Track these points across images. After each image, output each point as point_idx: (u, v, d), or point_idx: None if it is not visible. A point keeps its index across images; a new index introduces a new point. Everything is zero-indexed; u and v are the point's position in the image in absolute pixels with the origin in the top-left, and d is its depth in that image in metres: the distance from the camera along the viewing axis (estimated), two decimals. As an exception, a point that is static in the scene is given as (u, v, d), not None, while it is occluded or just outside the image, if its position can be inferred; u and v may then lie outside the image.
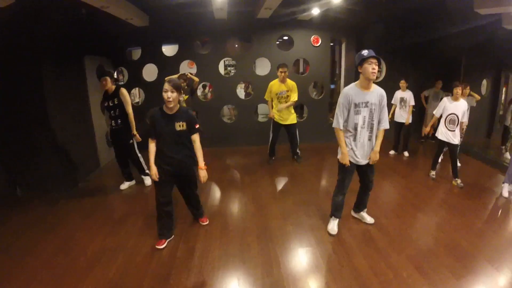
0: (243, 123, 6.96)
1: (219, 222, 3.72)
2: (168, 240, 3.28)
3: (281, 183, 4.99)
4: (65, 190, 4.69)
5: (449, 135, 4.56)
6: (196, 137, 3.03)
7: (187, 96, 5.22)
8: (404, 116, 5.90)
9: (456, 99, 4.54)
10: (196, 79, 5.21)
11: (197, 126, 3.01)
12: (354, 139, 3.01)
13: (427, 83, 6.90)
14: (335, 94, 8.68)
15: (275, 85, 5.27)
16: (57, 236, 3.49)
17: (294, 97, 5.23)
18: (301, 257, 3.05)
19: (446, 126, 4.59)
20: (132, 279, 2.76)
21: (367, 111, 2.89)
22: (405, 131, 6.07)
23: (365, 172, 3.25)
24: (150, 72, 6.84)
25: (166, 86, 2.83)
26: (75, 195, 4.61)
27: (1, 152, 4.55)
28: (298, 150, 5.72)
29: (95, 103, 5.61)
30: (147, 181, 4.78)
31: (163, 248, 3.18)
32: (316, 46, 6.62)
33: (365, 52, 2.77)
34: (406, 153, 6.17)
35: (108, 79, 4.15)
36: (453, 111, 4.51)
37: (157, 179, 3.01)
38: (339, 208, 3.37)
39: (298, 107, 8.20)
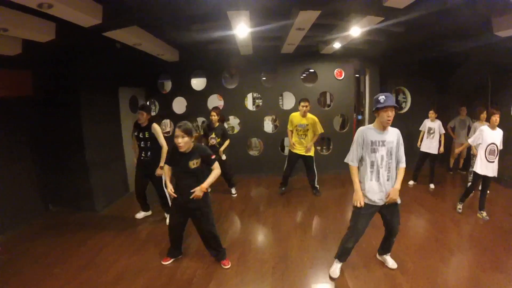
0: (269, 155, 7.03)
1: (238, 250, 3.74)
2: (173, 259, 3.51)
3: (303, 215, 4.92)
4: (95, 210, 5.02)
5: (489, 167, 4.24)
6: (215, 166, 3.13)
7: (219, 139, 5.43)
8: (431, 146, 5.72)
9: (493, 127, 4.29)
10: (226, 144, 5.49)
11: (213, 156, 3.12)
12: (371, 179, 2.89)
13: (452, 112, 6.70)
14: (361, 125, 8.61)
15: (296, 117, 5.39)
16: (86, 252, 3.79)
17: (318, 129, 5.34)
18: (316, 291, 2.98)
19: (486, 158, 4.25)
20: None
21: (385, 150, 2.83)
22: (432, 162, 5.85)
23: (387, 215, 3.01)
24: (180, 104, 7.20)
25: (177, 131, 2.92)
26: (104, 216, 4.95)
27: (38, 170, 4.97)
28: (316, 184, 5.67)
29: (127, 131, 5.98)
30: (139, 215, 4.75)
31: (168, 264, 3.46)
32: (340, 79, 6.73)
33: (381, 99, 2.70)
34: (431, 185, 5.90)
35: (145, 114, 4.26)
36: (493, 141, 4.25)
37: (174, 195, 3.15)
38: (346, 253, 3.15)
39: (326, 140, 8.19)
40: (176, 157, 3.09)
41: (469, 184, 4.64)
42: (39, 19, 3.48)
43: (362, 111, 8.98)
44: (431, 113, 5.75)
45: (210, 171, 3.13)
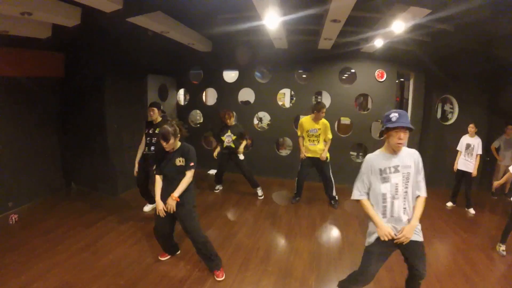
0: (298, 156, 6.57)
1: (241, 257, 3.49)
2: (171, 256, 3.42)
3: (321, 228, 4.45)
4: (112, 194, 5.11)
5: None
6: (188, 173, 2.99)
7: (235, 137, 5.24)
8: (469, 165, 4.99)
9: None
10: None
11: (192, 164, 2.99)
12: (384, 214, 2.34)
13: (498, 131, 5.79)
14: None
15: (307, 121, 4.97)
16: (90, 234, 3.87)
17: (329, 135, 4.94)
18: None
19: None
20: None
21: (399, 177, 2.29)
22: (468, 183, 5.08)
23: (408, 256, 2.41)
24: (210, 95, 7.09)
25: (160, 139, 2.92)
26: (118, 201, 5.02)
27: (63, 150, 5.22)
28: (334, 194, 5.15)
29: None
30: (146, 208, 4.69)
31: (165, 260, 3.37)
32: (381, 81, 6.12)
33: (393, 116, 2.19)
34: (471, 210, 5.09)
35: (156, 110, 4.27)
36: None
37: (163, 215, 3.00)
38: None
39: (363, 147, 7.57)
40: (163, 155, 3.04)
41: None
42: (64, 4, 3.49)
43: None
44: (471, 127, 5.03)
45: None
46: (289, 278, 3.12)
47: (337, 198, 5.19)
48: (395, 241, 2.29)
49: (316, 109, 4.83)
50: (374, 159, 2.37)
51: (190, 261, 3.36)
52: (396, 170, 2.29)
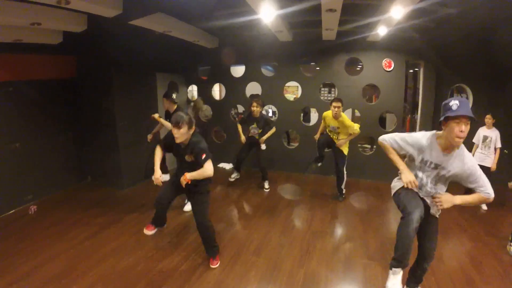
0: (304, 150, 6.48)
1: (233, 250, 3.57)
2: (157, 229, 3.35)
3: (320, 223, 4.33)
4: (120, 188, 5.38)
5: None
6: (205, 165, 2.82)
7: (261, 130, 5.28)
8: (485, 159, 4.75)
9: None
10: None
11: (204, 156, 2.81)
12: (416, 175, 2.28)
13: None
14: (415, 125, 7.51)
15: (328, 117, 4.94)
16: (96, 225, 4.13)
17: (350, 131, 4.70)
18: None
19: None
20: (129, 280, 3.00)
21: (432, 174, 2.18)
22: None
23: (427, 227, 2.31)
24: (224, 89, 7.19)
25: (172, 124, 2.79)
26: (129, 193, 5.28)
27: (80, 146, 5.57)
28: (343, 187, 5.08)
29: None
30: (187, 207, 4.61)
31: (151, 233, 3.33)
32: (389, 71, 5.91)
33: (453, 104, 1.95)
34: (484, 206, 4.83)
35: (164, 99, 4.45)
36: None
37: (160, 184, 3.07)
38: (406, 248, 2.15)
39: (374, 140, 7.36)
40: (174, 146, 2.97)
41: None
42: (70, 12, 3.68)
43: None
44: (488, 118, 4.78)
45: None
46: (277, 271, 3.16)
47: (344, 191, 5.13)
48: (433, 200, 2.21)
49: (330, 104, 4.79)
50: (426, 145, 2.16)
51: (184, 251, 3.49)
52: (435, 167, 2.16)
